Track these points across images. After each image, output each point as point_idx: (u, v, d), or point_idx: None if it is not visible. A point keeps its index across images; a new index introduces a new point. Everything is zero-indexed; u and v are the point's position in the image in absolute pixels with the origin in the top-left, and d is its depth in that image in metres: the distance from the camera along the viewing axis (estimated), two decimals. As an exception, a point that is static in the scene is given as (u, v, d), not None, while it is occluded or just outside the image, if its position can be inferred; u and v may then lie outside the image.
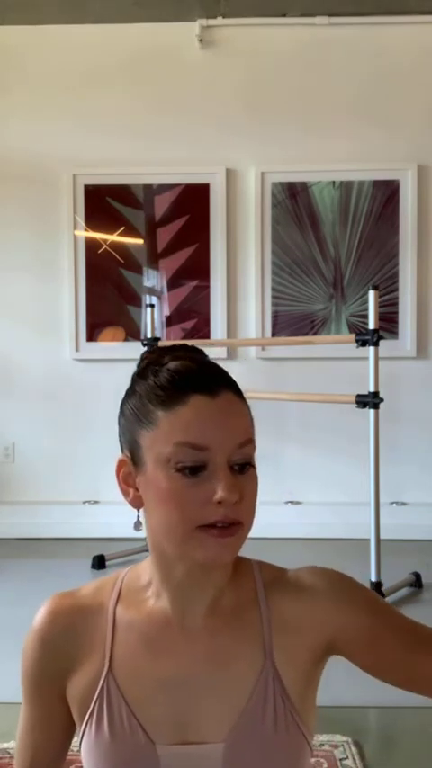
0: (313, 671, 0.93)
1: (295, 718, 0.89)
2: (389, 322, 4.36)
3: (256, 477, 0.89)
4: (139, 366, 0.95)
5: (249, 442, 0.88)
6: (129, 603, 0.94)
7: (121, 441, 0.94)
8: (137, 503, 0.92)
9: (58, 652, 0.93)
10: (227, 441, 0.86)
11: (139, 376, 0.93)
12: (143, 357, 0.96)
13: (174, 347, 0.95)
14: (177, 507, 0.85)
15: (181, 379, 0.88)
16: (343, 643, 0.92)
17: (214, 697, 0.89)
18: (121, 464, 0.93)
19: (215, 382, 0.89)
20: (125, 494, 0.93)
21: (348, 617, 0.92)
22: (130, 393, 0.93)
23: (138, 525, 0.94)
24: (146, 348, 3.90)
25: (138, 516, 0.94)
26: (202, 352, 0.95)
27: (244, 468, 0.87)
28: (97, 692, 0.90)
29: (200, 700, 0.89)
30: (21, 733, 0.98)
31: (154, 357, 0.93)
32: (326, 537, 4.14)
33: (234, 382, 0.91)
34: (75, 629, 0.93)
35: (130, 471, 0.92)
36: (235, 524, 0.85)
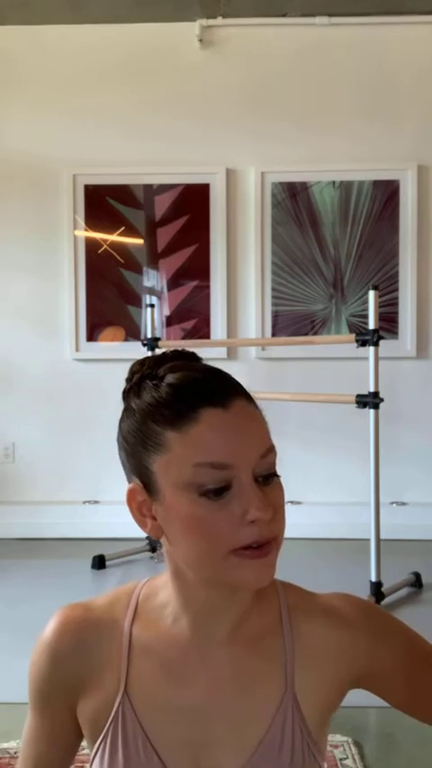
0: (334, 701, 0.89)
1: (312, 749, 0.85)
2: (389, 322, 4.36)
3: (281, 486, 0.83)
4: (129, 381, 0.86)
5: (271, 450, 0.82)
6: (146, 623, 0.89)
7: (125, 467, 0.87)
8: (156, 532, 0.85)
9: (69, 667, 0.88)
10: (248, 454, 0.79)
11: (132, 393, 0.85)
12: (132, 370, 0.87)
13: (165, 356, 0.86)
14: (206, 535, 0.79)
15: (186, 392, 0.80)
16: (373, 679, 0.89)
17: (232, 726, 0.85)
18: (132, 493, 0.85)
19: (225, 391, 0.81)
20: (142, 525, 0.86)
21: (382, 652, 0.88)
22: (126, 414, 0.85)
23: (162, 557, 0.88)
24: (146, 347, 3.90)
25: (158, 546, 0.89)
26: (197, 358, 0.88)
27: (268, 479, 0.81)
28: (111, 715, 0.86)
29: (217, 728, 0.85)
30: (25, 742, 0.95)
31: (146, 370, 0.85)
32: (326, 537, 4.15)
33: (242, 387, 0.84)
34: (87, 645, 0.88)
35: (144, 500, 0.84)
36: (270, 541, 0.80)
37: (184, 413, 0.79)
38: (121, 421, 0.86)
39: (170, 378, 0.82)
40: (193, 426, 0.79)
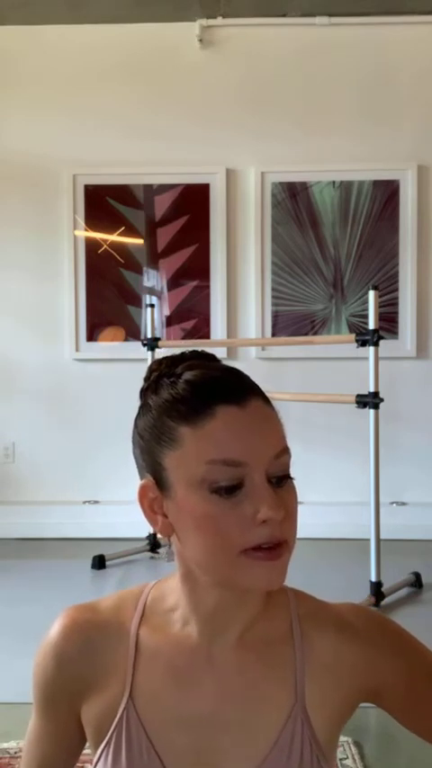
0: (345, 714, 0.87)
1: (321, 763, 0.84)
2: (389, 322, 4.36)
3: (294, 489, 0.82)
4: (147, 380, 0.86)
5: (285, 451, 0.81)
6: (153, 627, 0.87)
7: (139, 464, 0.86)
8: (166, 530, 0.83)
9: (74, 670, 0.87)
10: (263, 453, 0.79)
11: (150, 391, 0.85)
12: (151, 369, 0.87)
13: (184, 355, 0.86)
14: (217, 533, 0.78)
15: (204, 389, 0.80)
16: (384, 695, 0.87)
17: (239, 736, 0.83)
18: (144, 490, 0.84)
19: (242, 390, 0.81)
20: (153, 522, 0.84)
21: (396, 669, 0.86)
22: (143, 411, 0.85)
23: (171, 555, 0.87)
24: (146, 347, 3.90)
25: (170, 545, 0.86)
26: (215, 358, 0.87)
27: (282, 481, 0.80)
28: (116, 720, 0.85)
29: (224, 738, 0.83)
30: (28, 742, 0.93)
31: (164, 368, 0.85)
32: (326, 537, 4.14)
33: (259, 388, 0.83)
34: (93, 648, 0.87)
35: (155, 497, 0.83)
36: (281, 543, 0.79)
37: (200, 409, 0.79)
38: (137, 418, 0.86)
39: (188, 375, 0.82)
40: (209, 422, 0.78)
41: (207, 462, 0.78)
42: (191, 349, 0.89)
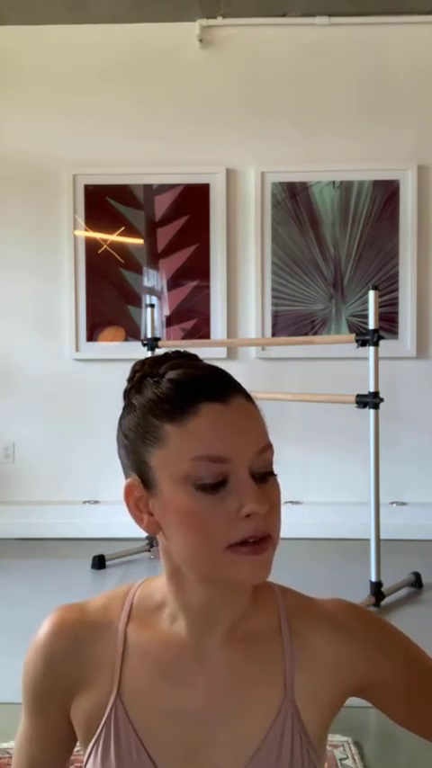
0: (334, 709, 0.88)
1: (311, 756, 0.84)
2: (389, 322, 4.36)
3: (278, 486, 0.83)
4: (130, 381, 0.88)
5: (268, 447, 0.82)
6: (141, 624, 0.88)
7: (124, 464, 0.87)
8: (153, 528, 0.85)
9: (63, 669, 0.88)
10: (246, 449, 0.80)
11: (133, 390, 0.86)
12: (134, 370, 0.88)
13: (167, 356, 0.87)
14: (203, 529, 0.79)
15: (187, 387, 0.81)
16: (373, 690, 0.88)
17: (229, 731, 0.84)
18: (130, 489, 0.85)
19: (224, 388, 0.82)
20: (138, 520, 0.86)
21: (383, 663, 0.87)
22: (127, 411, 0.86)
23: (158, 554, 0.88)
24: (146, 347, 3.90)
25: (154, 544, 0.87)
26: (198, 358, 0.88)
27: (265, 478, 0.81)
28: (104, 717, 0.85)
29: (213, 733, 0.84)
30: (19, 743, 0.94)
31: (147, 368, 0.86)
32: (326, 537, 4.15)
33: (242, 386, 0.85)
34: (81, 646, 0.88)
35: (141, 495, 0.84)
36: (266, 538, 0.80)
37: (184, 407, 0.80)
38: (122, 418, 0.87)
39: (171, 374, 0.83)
40: (193, 420, 0.80)
41: (192, 459, 0.79)
42: (173, 349, 0.89)
